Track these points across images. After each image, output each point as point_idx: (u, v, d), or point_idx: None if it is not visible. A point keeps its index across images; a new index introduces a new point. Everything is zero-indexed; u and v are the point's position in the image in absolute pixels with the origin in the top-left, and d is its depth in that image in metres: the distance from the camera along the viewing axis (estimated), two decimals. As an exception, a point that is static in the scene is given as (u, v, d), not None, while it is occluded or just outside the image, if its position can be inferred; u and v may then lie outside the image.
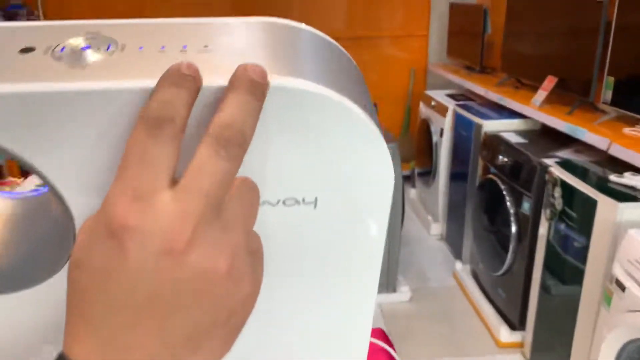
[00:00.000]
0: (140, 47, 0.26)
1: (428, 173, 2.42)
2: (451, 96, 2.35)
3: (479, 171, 1.95)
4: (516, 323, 1.74)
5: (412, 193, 2.70)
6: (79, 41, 0.26)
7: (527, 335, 1.67)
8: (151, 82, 0.22)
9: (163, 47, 0.26)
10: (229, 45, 0.27)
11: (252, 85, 0.22)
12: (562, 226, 1.45)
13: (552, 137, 1.76)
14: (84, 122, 0.23)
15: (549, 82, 1.80)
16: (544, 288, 1.58)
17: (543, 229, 1.54)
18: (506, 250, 1.74)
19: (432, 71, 2.81)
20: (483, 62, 2.40)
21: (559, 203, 1.46)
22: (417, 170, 2.63)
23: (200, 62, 0.24)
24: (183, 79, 0.22)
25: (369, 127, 0.24)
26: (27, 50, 0.26)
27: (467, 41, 2.53)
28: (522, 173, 1.66)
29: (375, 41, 2.89)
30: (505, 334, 1.73)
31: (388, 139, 1.50)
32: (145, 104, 0.22)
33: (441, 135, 2.23)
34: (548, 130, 1.78)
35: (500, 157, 1.77)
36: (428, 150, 2.38)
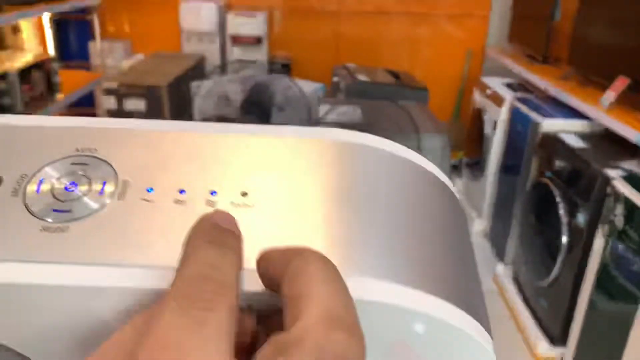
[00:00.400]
0: (150, 189, 0.18)
1: (477, 164, 2.30)
2: (509, 86, 2.20)
3: (533, 171, 1.83)
4: (556, 337, 1.65)
5: (457, 184, 2.59)
6: (63, 171, 0.19)
7: (567, 352, 1.58)
8: (167, 274, 0.15)
9: (182, 192, 0.18)
10: (280, 196, 0.18)
11: (320, 255, 0.15)
12: (621, 246, 1.34)
13: (616, 143, 1.61)
14: (60, 319, 0.16)
15: (620, 83, 1.64)
16: (592, 306, 1.48)
17: (598, 245, 1.43)
18: (554, 259, 1.63)
19: (490, 56, 2.65)
20: (547, 52, 2.23)
21: (619, 221, 1.34)
22: (465, 161, 2.51)
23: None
24: (224, 235, 0.16)
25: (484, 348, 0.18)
26: None
27: (531, 26, 2.35)
28: (581, 181, 1.54)
29: (430, 18, 2.73)
30: (544, 348, 1.65)
31: (440, 129, 1.39)
32: (177, 278, 0.15)
33: (494, 127, 2.11)
34: (612, 135, 1.63)
35: (557, 161, 1.65)
36: (479, 141, 2.25)
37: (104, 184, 0.18)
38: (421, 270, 0.17)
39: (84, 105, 2.61)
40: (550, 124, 1.78)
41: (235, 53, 2.59)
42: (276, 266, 0.16)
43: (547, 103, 1.95)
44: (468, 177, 2.48)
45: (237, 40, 2.56)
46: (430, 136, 1.54)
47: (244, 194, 0.18)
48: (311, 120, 1.51)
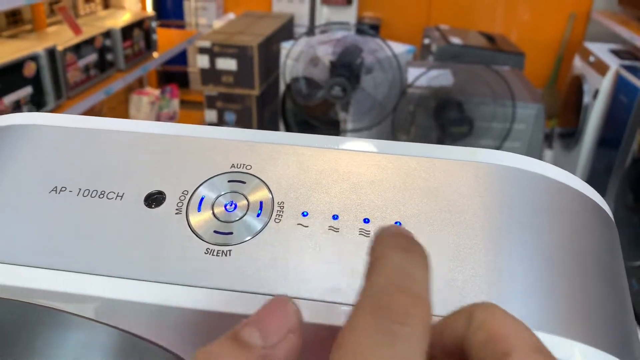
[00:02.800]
0: (305, 213, 0.18)
1: (571, 135, 2.18)
2: (615, 53, 2.04)
3: (635, 146, 1.71)
4: (647, 321, 1.57)
5: (547, 155, 2.47)
6: (221, 189, 0.19)
7: (658, 338, 1.50)
8: (323, 307, 0.15)
9: (336, 218, 0.18)
10: (434, 228, 0.17)
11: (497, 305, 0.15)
12: None
13: None
14: None
15: None
16: (691, 293, 1.39)
17: None
18: (651, 241, 1.54)
19: (596, 20, 2.45)
20: (663, 15, 2.03)
21: None
22: (558, 130, 2.38)
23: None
24: (410, 240, 0.15)
25: None
26: (154, 199, 0.19)
27: (647, -13, 2.15)
28: (692, 159, 1.42)
29: (532, -24, 2.56)
30: (632, 331, 1.58)
31: (536, 97, 1.33)
32: (368, 286, 0.14)
33: (595, 97, 1.97)
34: None
35: (666, 135, 1.53)
36: (575, 110, 2.12)
37: (261, 204, 0.19)
38: (584, 321, 0.16)
39: (177, 64, 2.72)
40: (661, 96, 1.65)
41: (325, 14, 2.57)
42: (455, 326, 0.15)
43: (658, 72, 1.79)
44: (560, 148, 2.35)
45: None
46: (526, 104, 1.47)
47: (399, 224, 0.18)
48: (401, 84, 1.49)
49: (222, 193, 0.19)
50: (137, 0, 2.44)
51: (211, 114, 2.09)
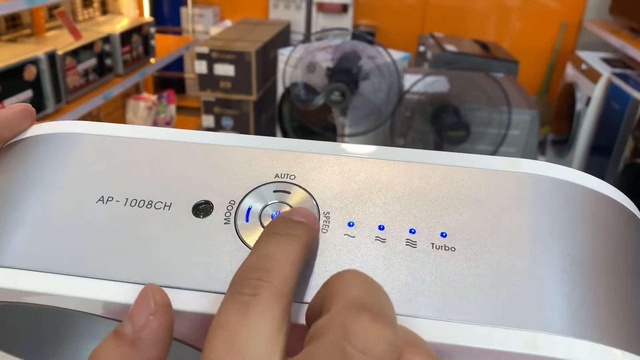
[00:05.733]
0: (351, 223, 0.18)
1: (563, 142, 2.21)
2: (607, 61, 2.08)
3: (627, 152, 1.74)
4: None
5: (540, 161, 2.50)
6: (267, 198, 0.19)
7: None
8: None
9: (381, 228, 0.18)
10: (482, 238, 0.18)
11: (357, 270, 0.16)
12: None
13: None
14: None
15: None
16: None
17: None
18: (644, 245, 1.56)
19: (587, 29, 2.50)
20: (653, 24, 2.08)
21: None
22: (550, 137, 2.42)
23: (434, 276, 0.16)
24: (289, 225, 0.16)
25: None
26: (202, 209, 0.19)
27: (637, -3, 2.19)
28: (683, 164, 1.45)
29: (523, -13, 2.60)
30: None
31: (531, 104, 1.34)
32: (236, 270, 0.16)
33: (587, 104, 2.01)
34: None
35: (658, 141, 1.56)
36: (568, 117, 2.16)
37: None
38: (629, 329, 0.16)
39: (173, 70, 2.73)
40: (652, 103, 1.68)
41: (320, 21, 2.60)
42: (317, 295, 0.16)
43: (649, 80, 1.83)
44: (552, 155, 2.39)
45: (323, 7, 2.57)
46: (520, 111, 1.50)
47: (444, 235, 0.18)
48: (399, 90, 1.52)
49: (269, 203, 0.19)
50: (135, 6, 2.45)
51: (208, 119, 2.11)
